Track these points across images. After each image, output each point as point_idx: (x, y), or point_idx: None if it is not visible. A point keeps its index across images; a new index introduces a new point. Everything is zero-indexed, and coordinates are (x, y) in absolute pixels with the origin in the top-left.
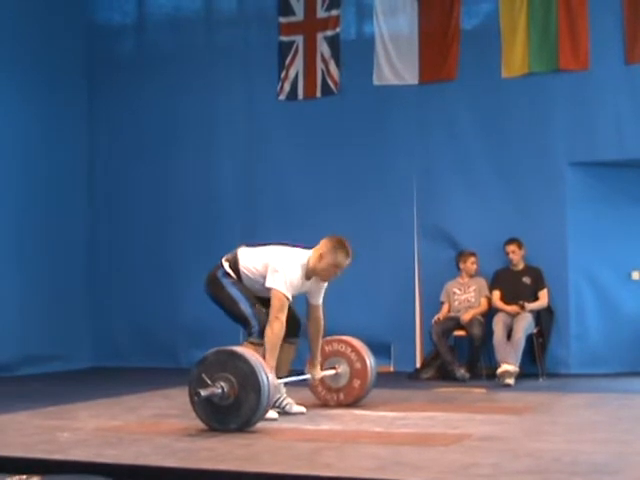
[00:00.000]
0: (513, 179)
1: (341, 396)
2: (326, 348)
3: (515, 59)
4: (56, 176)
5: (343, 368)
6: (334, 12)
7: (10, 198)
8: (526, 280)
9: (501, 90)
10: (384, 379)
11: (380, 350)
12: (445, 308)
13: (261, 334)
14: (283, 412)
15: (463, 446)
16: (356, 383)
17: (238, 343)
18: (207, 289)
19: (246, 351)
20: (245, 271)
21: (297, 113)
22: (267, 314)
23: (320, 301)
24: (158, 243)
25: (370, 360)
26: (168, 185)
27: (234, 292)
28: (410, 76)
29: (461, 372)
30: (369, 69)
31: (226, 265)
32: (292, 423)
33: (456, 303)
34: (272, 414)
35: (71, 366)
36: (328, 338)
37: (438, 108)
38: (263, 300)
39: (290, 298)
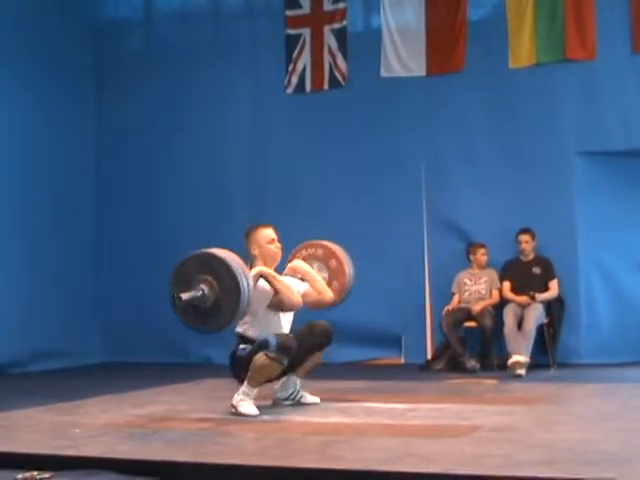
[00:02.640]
0: (522, 169)
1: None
2: (305, 252)
3: (522, 49)
4: (64, 172)
5: (320, 269)
6: (341, 5)
7: (18, 195)
8: (536, 270)
9: (508, 81)
10: (394, 371)
11: (391, 342)
12: (456, 299)
13: (279, 348)
14: (297, 403)
15: (474, 437)
16: (334, 286)
17: None
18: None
19: (222, 252)
20: (248, 326)
21: (305, 106)
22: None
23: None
24: (166, 237)
25: (349, 267)
26: (176, 179)
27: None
28: (417, 68)
29: (472, 363)
30: (376, 61)
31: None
32: (302, 416)
33: (466, 294)
34: (252, 409)
35: (81, 362)
36: (307, 242)
37: (446, 99)
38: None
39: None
